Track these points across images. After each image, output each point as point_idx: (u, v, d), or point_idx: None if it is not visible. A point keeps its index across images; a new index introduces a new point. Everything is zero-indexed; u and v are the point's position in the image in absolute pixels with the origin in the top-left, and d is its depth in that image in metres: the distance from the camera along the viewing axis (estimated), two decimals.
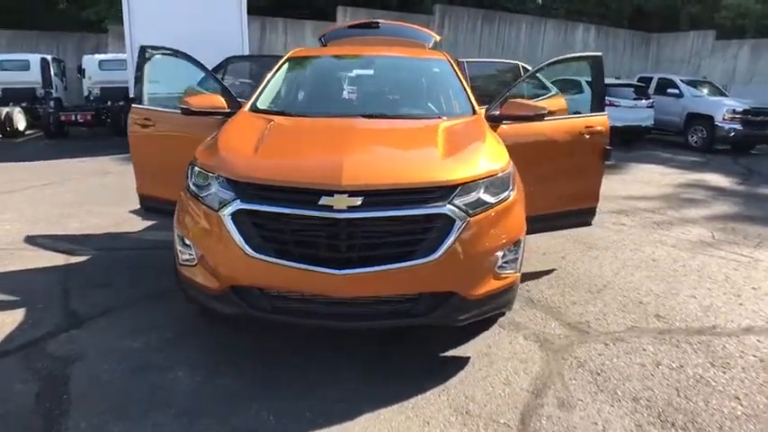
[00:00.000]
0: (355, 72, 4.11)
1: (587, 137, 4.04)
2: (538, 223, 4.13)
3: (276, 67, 4.07)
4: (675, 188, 8.07)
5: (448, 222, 2.47)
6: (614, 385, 2.66)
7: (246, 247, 2.50)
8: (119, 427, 2.34)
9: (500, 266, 2.67)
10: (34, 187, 7.15)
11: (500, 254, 2.64)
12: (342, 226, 2.42)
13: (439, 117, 3.41)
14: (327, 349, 2.96)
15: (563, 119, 4.12)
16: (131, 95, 6.48)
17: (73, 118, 12.43)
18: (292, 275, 2.47)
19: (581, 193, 4.19)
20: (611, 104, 11.97)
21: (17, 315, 3.42)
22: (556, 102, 5.47)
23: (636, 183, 8.34)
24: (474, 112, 3.55)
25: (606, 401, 2.52)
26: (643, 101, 12.39)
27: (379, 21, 6.96)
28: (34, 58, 14.60)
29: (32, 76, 14.55)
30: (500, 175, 2.71)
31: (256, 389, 2.61)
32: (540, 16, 20.07)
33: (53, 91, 14.59)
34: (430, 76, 4.07)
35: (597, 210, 4.25)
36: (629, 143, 12.51)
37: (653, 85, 13.66)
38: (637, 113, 12.16)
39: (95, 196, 6.70)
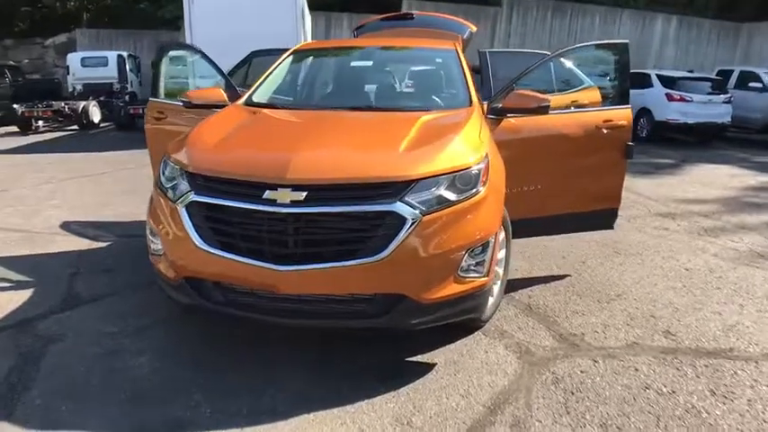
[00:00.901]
0: (354, 64, 3.99)
1: (605, 131, 3.70)
2: (550, 225, 3.88)
3: (280, 59, 4.03)
4: (741, 191, 7.31)
5: (397, 220, 2.32)
6: (585, 408, 2.40)
7: (197, 239, 2.48)
8: (67, 407, 2.40)
9: (463, 269, 2.48)
10: (88, 176, 7.59)
11: (462, 256, 2.45)
12: (285, 221, 2.33)
13: (427, 110, 3.24)
14: (297, 346, 2.87)
15: (578, 112, 3.79)
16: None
17: (140, 111, 13.14)
18: (239, 269, 2.42)
19: (599, 193, 3.85)
20: (682, 99, 11.09)
21: (25, 294, 3.61)
22: (588, 94, 5.07)
23: (695, 184, 7.65)
24: (471, 103, 3.34)
25: (568, 425, 2.27)
26: (720, 96, 11.35)
27: (414, 12, 6.82)
28: (112, 55, 15.62)
29: (110, 72, 15.59)
30: (465, 171, 2.51)
31: (208, 381, 2.58)
32: (617, 6, 18.93)
33: (128, 86, 15.55)
34: (431, 67, 3.88)
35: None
36: (704, 141, 11.54)
37: (733, 78, 12.49)
38: (712, 109, 11.18)
39: (140, 186, 7.00)
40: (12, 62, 17.31)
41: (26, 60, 19.38)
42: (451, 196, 2.43)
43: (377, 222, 2.33)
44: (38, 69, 19.32)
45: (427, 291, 2.40)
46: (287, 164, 2.39)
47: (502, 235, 3.16)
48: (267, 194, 2.34)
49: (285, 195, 2.32)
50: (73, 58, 16.04)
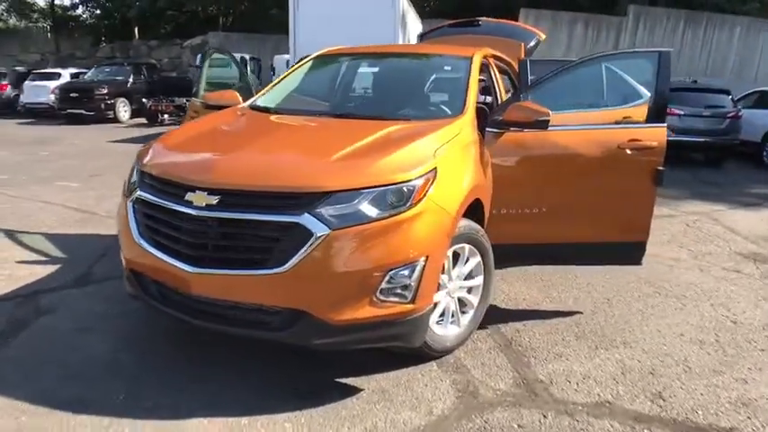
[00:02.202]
0: (360, 71, 3.89)
1: (630, 152, 3.24)
2: (557, 253, 3.49)
3: (296, 65, 4.06)
4: None
5: (303, 234, 2.19)
6: None
7: (136, 233, 2.58)
8: (16, 377, 2.60)
9: (383, 292, 2.29)
10: None
11: (381, 277, 2.26)
12: (198, 223, 2.32)
13: (405, 119, 3.06)
14: (247, 352, 2.84)
15: (598, 128, 3.35)
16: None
17: None
18: (162, 266, 2.46)
19: (621, 223, 3.38)
20: None
21: (50, 269, 4.01)
22: (643, 111, 4.50)
23: None
24: (460, 114, 3.09)
25: None
26: None
27: (481, 19, 6.54)
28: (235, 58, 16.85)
29: (233, 73, 16.82)
30: (395, 186, 2.31)
31: (143, 372, 2.66)
32: (763, 18, 16.69)
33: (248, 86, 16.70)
34: (435, 75, 3.66)
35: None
36: None
37: None
38: None
39: None
40: (152, 60, 19.42)
41: (166, 59, 21.71)
42: (372, 212, 2.26)
43: (283, 234, 2.24)
44: (175, 68, 21.53)
45: (335, 311, 2.25)
46: (210, 167, 2.39)
47: (475, 260, 2.90)
48: (187, 196, 2.36)
49: (201, 198, 2.31)
50: (279, 61, 17.25)
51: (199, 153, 2.75)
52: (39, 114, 16.17)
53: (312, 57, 4.08)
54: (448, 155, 2.63)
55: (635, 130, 3.28)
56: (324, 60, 4.04)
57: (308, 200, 2.24)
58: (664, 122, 3.30)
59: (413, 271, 2.32)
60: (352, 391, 2.55)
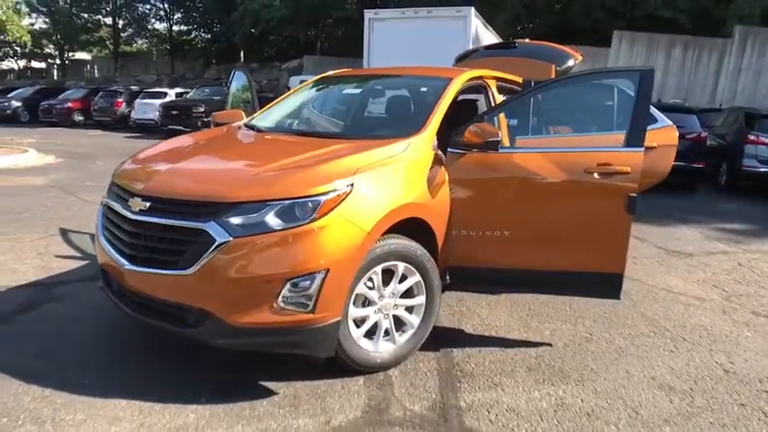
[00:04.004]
0: (345, 92, 4.06)
1: (598, 177, 3.11)
2: (523, 279, 3.40)
3: (301, 85, 4.32)
4: None
5: (208, 239, 2.39)
6: None
7: (100, 232, 2.92)
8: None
9: (284, 300, 2.42)
10: None
11: (281, 285, 2.40)
12: (133, 225, 2.61)
13: (357, 137, 3.19)
14: (190, 352, 3.07)
15: (563, 151, 3.24)
16: None
17: None
18: (110, 262, 2.76)
19: (593, 252, 3.24)
20: None
21: (79, 263, 4.57)
22: (663, 135, 4.24)
23: None
24: (416, 132, 3.14)
25: None
26: None
27: (518, 41, 6.49)
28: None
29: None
30: (300, 200, 2.44)
31: (98, 358, 2.99)
32: None
33: None
34: (413, 97, 3.73)
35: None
36: None
37: None
38: None
39: None
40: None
41: (265, 81, 23.29)
42: (275, 224, 2.40)
43: (193, 239, 2.44)
44: (273, 89, 23.01)
45: (236, 313, 2.41)
46: (149, 177, 2.69)
47: (413, 279, 2.93)
48: (129, 201, 2.65)
49: (137, 204, 2.60)
50: (294, 81, 18.65)
51: (153, 164, 3.06)
52: (146, 129, 18.03)
53: (314, 79, 4.32)
54: (374, 173, 2.71)
55: (605, 154, 3.14)
56: (322, 82, 4.27)
57: (217, 209, 2.44)
58: (640, 147, 3.13)
59: (312, 282, 2.42)
60: (267, 393, 2.68)
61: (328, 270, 2.44)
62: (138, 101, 18.42)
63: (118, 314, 3.47)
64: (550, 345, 3.44)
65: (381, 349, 2.88)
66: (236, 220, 2.41)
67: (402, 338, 2.96)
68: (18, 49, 37.26)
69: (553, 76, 5.48)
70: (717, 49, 16.83)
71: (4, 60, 41.50)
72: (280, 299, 2.41)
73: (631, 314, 4.00)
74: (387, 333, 2.91)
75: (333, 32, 26.92)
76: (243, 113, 4.14)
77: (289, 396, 2.67)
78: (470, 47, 11.61)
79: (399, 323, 2.97)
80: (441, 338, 3.31)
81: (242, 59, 27.20)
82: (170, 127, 16.33)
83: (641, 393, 2.92)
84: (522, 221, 3.23)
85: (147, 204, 2.56)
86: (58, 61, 39.27)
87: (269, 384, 2.76)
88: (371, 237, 2.60)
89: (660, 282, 4.81)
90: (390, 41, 11.88)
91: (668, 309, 4.18)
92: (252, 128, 3.72)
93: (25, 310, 3.56)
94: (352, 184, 2.57)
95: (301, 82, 16.15)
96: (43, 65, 42.49)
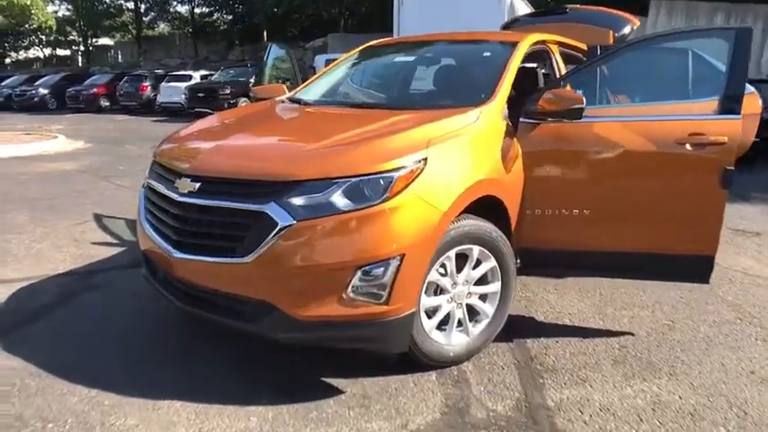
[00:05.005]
0: (396, 60, 3.73)
1: (691, 149, 2.75)
2: (603, 263, 3.07)
3: (345, 56, 4.00)
4: None
5: (268, 223, 2.11)
6: None
7: (142, 217, 2.68)
8: (43, 342, 2.84)
9: (354, 290, 2.14)
10: None
11: (351, 274, 2.12)
12: (180, 208, 2.35)
13: (422, 107, 2.88)
14: (244, 347, 2.83)
15: (650, 119, 2.88)
16: None
17: None
18: (155, 249, 2.53)
19: (682, 231, 2.90)
20: None
21: (115, 250, 4.41)
22: (745, 103, 3.82)
23: None
24: (485, 101, 2.81)
25: None
26: None
27: (569, 6, 6.05)
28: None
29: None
30: (370, 177, 2.15)
31: (143, 355, 2.76)
32: None
33: None
34: (475, 63, 3.38)
35: None
36: None
37: None
38: None
39: None
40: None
41: None
42: (343, 204, 2.12)
43: (252, 223, 2.18)
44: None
45: (300, 306, 2.15)
46: (197, 155, 2.42)
47: (488, 264, 2.63)
48: (176, 182, 2.39)
49: (184, 185, 2.33)
50: (319, 60, 18.27)
51: (199, 141, 2.80)
52: (172, 113, 17.94)
53: (359, 49, 4.00)
54: (447, 145, 2.40)
55: (698, 123, 2.78)
56: (368, 53, 3.94)
57: (277, 188, 2.16)
58: (738, 114, 2.76)
59: (386, 269, 2.14)
60: (333, 392, 2.43)
61: (403, 256, 2.15)
62: (163, 84, 18.30)
63: (161, 303, 3.26)
64: (632, 334, 3.12)
65: (454, 342, 2.60)
66: (299, 201, 2.13)
67: (476, 329, 2.68)
68: (43, 37, 37.55)
69: (611, 42, 5.08)
70: (761, 16, 15.91)
71: (29, 49, 41.95)
72: (350, 289, 2.14)
73: (711, 299, 3.65)
74: (459, 324, 2.63)
75: (356, 9, 26.31)
76: (285, 88, 3.85)
77: (357, 395, 2.41)
78: (506, 18, 11.11)
79: (472, 312, 2.68)
80: (511, 328, 3.02)
81: (265, 39, 26.86)
82: (196, 109, 16.18)
83: (744, 390, 2.59)
84: (605, 199, 2.90)
85: (197, 185, 2.30)
86: (81, 48, 39.51)
87: (333, 381, 2.51)
88: (448, 217, 2.31)
89: (733, 263, 4.43)
90: (421, 14, 11.45)
91: (748, 292, 3.81)
92: (297, 101, 3.43)
93: (64, 301, 3.37)
94: (425, 159, 2.27)
95: (327, 61, 15.88)
96: (68, 52, 42.83)
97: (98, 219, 5.27)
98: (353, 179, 2.14)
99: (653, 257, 2.94)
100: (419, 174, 2.22)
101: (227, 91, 16.39)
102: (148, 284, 2.82)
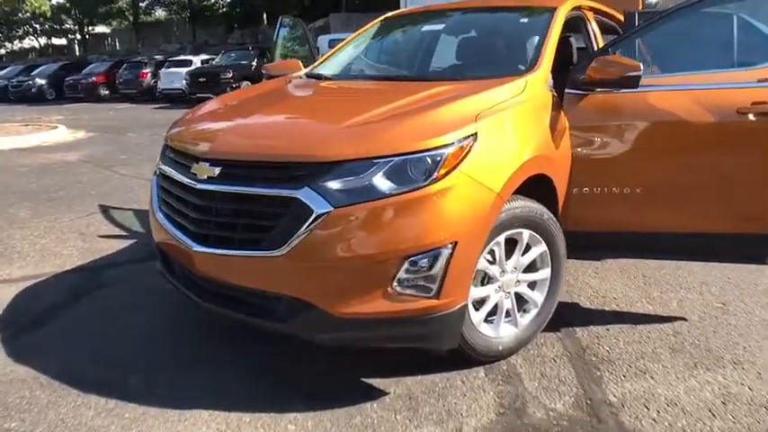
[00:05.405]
0: (425, 29, 3.45)
1: (754, 119, 2.50)
2: (654, 244, 2.85)
3: (365, 27, 3.73)
4: None
5: (302, 211, 1.88)
6: None
7: (156, 206, 2.45)
8: (51, 348, 2.64)
9: (401, 283, 1.91)
10: None
11: (397, 265, 1.89)
12: (199, 197, 2.12)
13: (461, 78, 2.63)
14: (274, 347, 2.59)
15: (708, 88, 2.62)
16: None
17: None
18: (172, 242, 2.30)
19: (740, 209, 2.66)
20: None
21: (124, 243, 4.20)
22: None
23: None
24: (530, 70, 2.57)
25: None
26: None
27: None
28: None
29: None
30: (416, 156, 1.91)
31: (164, 359, 2.53)
32: None
33: None
34: (512, 31, 3.11)
35: None
36: None
37: None
38: None
39: None
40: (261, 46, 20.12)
41: None
42: (387, 187, 1.88)
43: (284, 211, 1.94)
44: None
45: (340, 303, 1.92)
46: (216, 137, 2.18)
47: (539, 249, 2.40)
48: (193, 167, 2.15)
49: (202, 170, 2.10)
50: (322, 41, 17.85)
51: (217, 122, 2.55)
52: (173, 99, 17.61)
53: (380, 19, 3.73)
54: (497, 118, 2.16)
55: (762, 90, 2.51)
56: (391, 22, 3.67)
57: (311, 171, 1.91)
58: None
59: (436, 259, 1.91)
60: (376, 394, 2.22)
61: (456, 244, 1.92)
62: (163, 71, 17.95)
63: (178, 299, 3.05)
64: (685, 319, 2.90)
65: (503, 334, 2.38)
66: (335, 185, 1.88)
67: (524, 320, 2.46)
68: (38, 26, 36.97)
69: (640, 7, 4.79)
70: None
71: (24, 39, 41.37)
72: (395, 282, 1.91)
73: (760, 279, 3.42)
74: (507, 314, 2.41)
75: None
76: (300, 63, 3.59)
77: (402, 396, 2.20)
78: None
79: (520, 302, 2.46)
80: (556, 316, 2.79)
81: (265, 22, 26.34)
82: (198, 95, 15.85)
83: None
84: (658, 175, 2.66)
85: (217, 170, 2.05)
86: (78, 36, 38.93)
87: (374, 382, 2.29)
88: (501, 199, 2.07)
89: None
90: None
91: None
92: (317, 77, 3.17)
93: (74, 301, 3.14)
94: (475, 134, 2.02)
95: (331, 41, 15.44)
96: (64, 41, 42.23)
97: (104, 210, 5.05)
98: (397, 158, 1.90)
99: (707, 237, 2.71)
100: (469, 151, 1.98)
101: (229, 75, 16.06)
102: (164, 280, 2.60)
